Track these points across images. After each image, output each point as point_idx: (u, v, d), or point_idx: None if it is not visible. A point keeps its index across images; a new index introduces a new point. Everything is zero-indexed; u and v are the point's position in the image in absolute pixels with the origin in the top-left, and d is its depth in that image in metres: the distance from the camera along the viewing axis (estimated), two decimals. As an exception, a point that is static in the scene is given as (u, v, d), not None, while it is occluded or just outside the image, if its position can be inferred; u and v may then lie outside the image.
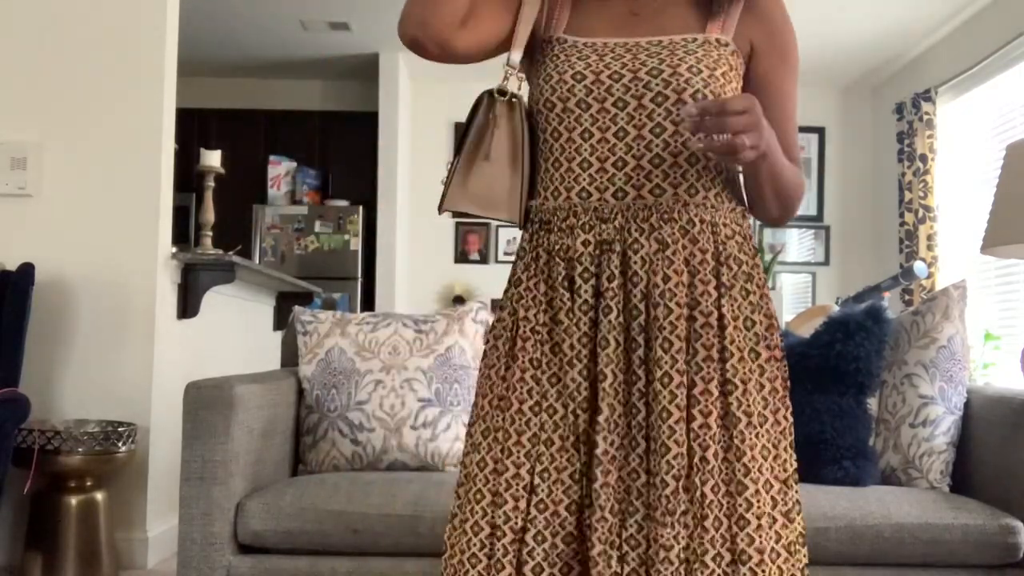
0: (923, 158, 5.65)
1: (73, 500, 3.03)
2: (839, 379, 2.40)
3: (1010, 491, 2.22)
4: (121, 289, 3.38)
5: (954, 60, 5.58)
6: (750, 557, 1.32)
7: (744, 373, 1.37)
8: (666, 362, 1.35)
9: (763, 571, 1.32)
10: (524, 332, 1.42)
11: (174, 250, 3.54)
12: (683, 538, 1.31)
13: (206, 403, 2.18)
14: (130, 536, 3.33)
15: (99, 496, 3.10)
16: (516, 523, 1.35)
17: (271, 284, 4.47)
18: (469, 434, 1.45)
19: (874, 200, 6.84)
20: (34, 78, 3.42)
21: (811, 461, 2.35)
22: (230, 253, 3.64)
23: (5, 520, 3.16)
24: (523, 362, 1.41)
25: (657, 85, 1.40)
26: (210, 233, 3.83)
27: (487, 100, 1.48)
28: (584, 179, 1.42)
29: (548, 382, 1.39)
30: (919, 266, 3.38)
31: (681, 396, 1.34)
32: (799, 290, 6.91)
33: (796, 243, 6.95)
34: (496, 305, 1.49)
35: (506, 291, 1.48)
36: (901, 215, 5.78)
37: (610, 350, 1.36)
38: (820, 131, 6.96)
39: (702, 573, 1.30)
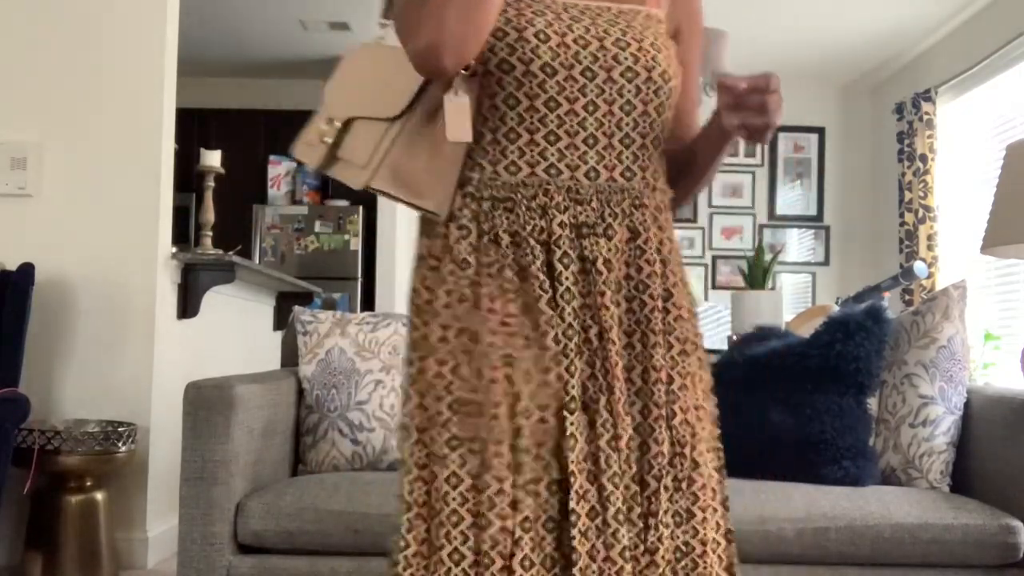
0: (923, 158, 5.65)
1: (73, 500, 3.03)
2: (839, 379, 2.40)
3: (1010, 491, 2.22)
4: (121, 289, 3.38)
5: (954, 60, 5.58)
6: (693, 548, 1.28)
7: (694, 365, 1.34)
8: (649, 357, 1.29)
9: (705, 562, 1.28)
10: (493, 326, 1.24)
11: (174, 250, 3.54)
12: (667, 539, 1.27)
13: (206, 403, 2.18)
14: (130, 536, 3.33)
15: (99, 496, 3.10)
16: (505, 548, 1.19)
17: (271, 284, 4.47)
18: (421, 443, 1.24)
19: (874, 200, 6.84)
20: (34, 78, 3.42)
21: (811, 461, 2.35)
22: (230, 253, 3.64)
23: (5, 520, 3.16)
24: (496, 360, 1.23)
25: (627, 59, 1.30)
26: (210, 233, 3.83)
27: None
28: (552, 154, 1.29)
29: (522, 380, 1.23)
30: (919, 266, 3.38)
31: (662, 392, 1.29)
32: (799, 290, 6.91)
33: (796, 243, 6.95)
34: (421, 286, 1.31)
35: (438, 271, 1.29)
36: (901, 215, 5.78)
37: (619, 346, 1.28)
38: (820, 131, 6.96)
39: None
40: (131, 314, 3.38)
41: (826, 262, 6.92)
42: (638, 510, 1.27)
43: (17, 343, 3.02)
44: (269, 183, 6.75)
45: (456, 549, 1.20)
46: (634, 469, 1.27)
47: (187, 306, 3.60)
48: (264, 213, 6.54)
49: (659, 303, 1.31)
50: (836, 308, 3.17)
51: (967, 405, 2.44)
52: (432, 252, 1.31)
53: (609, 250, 1.29)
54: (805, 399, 2.40)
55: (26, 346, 3.07)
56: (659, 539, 1.26)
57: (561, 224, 1.28)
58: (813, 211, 6.94)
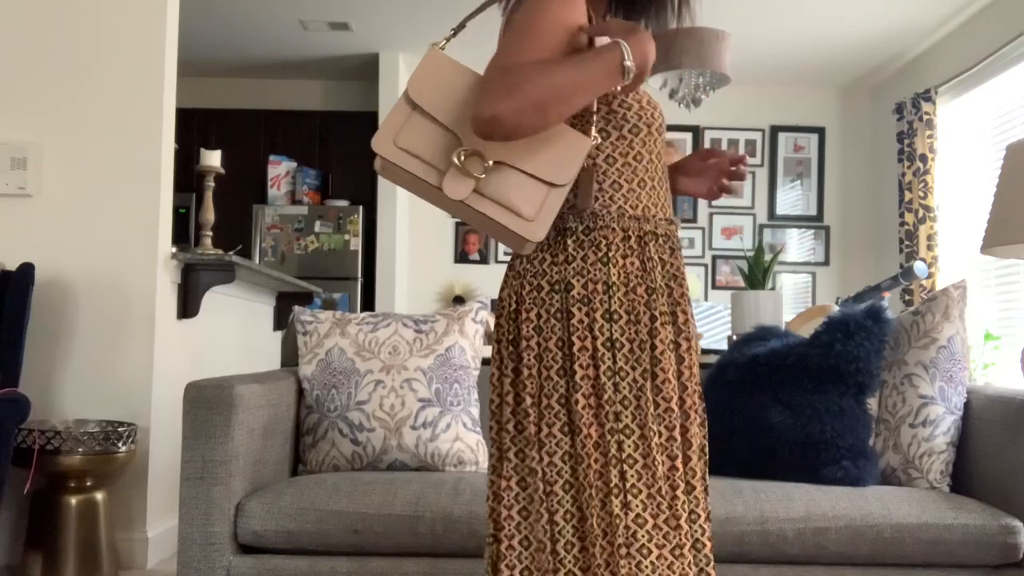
0: (923, 158, 5.65)
1: (73, 500, 3.03)
2: (839, 379, 2.40)
3: (1010, 491, 2.22)
4: (121, 289, 3.38)
5: (954, 60, 5.58)
6: None
7: None
8: None
9: None
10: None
11: (174, 250, 3.54)
12: None
13: (206, 403, 2.18)
14: (130, 536, 3.33)
15: (99, 496, 3.10)
16: None
17: (271, 284, 4.47)
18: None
19: (874, 200, 6.84)
20: (34, 78, 3.42)
21: (811, 461, 2.35)
22: (230, 253, 3.64)
23: (5, 520, 3.16)
24: None
25: (662, 115, 1.64)
26: (210, 233, 3.83)
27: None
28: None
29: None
30: (919, 266, 3.38)
31: None
32: (799, 290, 6.91)
33: (796, 243, 6.95)
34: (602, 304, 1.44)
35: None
36: (901, 215, 5.78)
37: None
38: (820, 131, 6.96)
39: None
40: (131, 314, 3.38)
41: (826, 262, 6.92)
42: None
43: (17, 343, 3.02)
44: (269, 183, 6.75)
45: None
46: None
47: (187, 306, 3.60)
48: (264, 213, 6.54)
49: None
50: (836, 308, 3.17)
51: (967, 405, 2.44)
52: None
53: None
54: (805, 399, 2.40)
55: (26, 346, 3.07)
56: None
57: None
58: (813, 211, 6.94)
